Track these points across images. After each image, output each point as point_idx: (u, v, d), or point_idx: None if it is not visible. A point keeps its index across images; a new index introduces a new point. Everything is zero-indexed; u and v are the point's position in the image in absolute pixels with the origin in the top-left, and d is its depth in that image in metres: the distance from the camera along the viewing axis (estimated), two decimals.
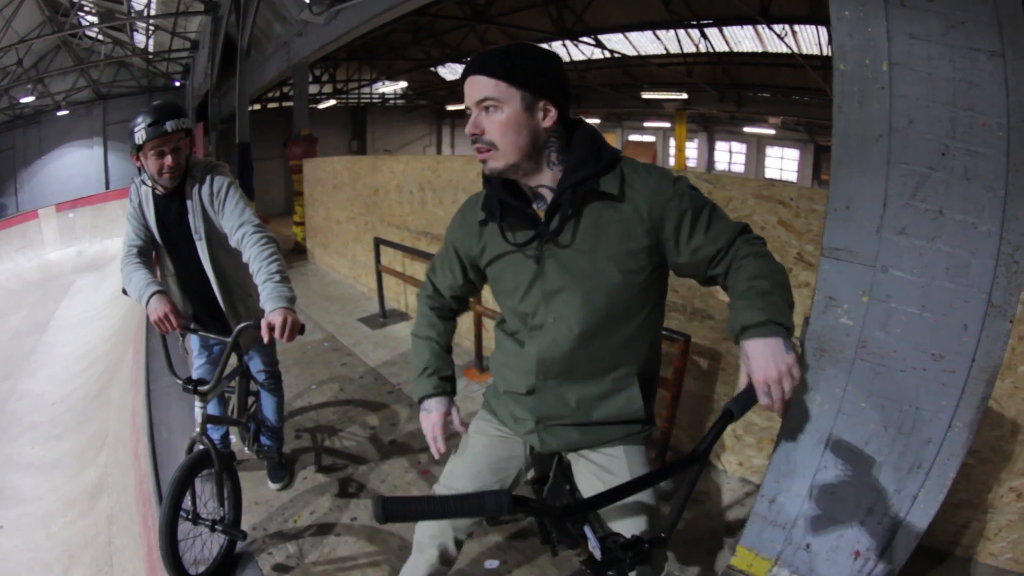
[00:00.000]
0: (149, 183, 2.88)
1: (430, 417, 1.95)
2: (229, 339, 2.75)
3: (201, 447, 2.76)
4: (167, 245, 3.00)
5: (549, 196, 1.66)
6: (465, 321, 5.79)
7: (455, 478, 1.98)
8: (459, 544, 1.97)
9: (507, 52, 1.58)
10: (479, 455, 1.97)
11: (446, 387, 2.01)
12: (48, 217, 17.56)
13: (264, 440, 3.63)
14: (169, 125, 2.66)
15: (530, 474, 2.00)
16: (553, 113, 1.59)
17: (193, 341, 3.27)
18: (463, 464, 1.99)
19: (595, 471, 1.84)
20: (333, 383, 5.22)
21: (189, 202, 2.88)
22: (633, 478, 1.46)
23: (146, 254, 2.97)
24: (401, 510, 1.22)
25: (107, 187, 21.79)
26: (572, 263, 1.66)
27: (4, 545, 4.31)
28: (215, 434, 3.55)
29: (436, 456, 1.93)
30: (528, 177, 1.66)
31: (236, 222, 2.84)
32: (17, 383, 7.56)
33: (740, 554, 2.68)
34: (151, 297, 2.71)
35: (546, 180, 1.66)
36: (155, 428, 4.31)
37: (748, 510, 3.07)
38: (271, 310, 2.55)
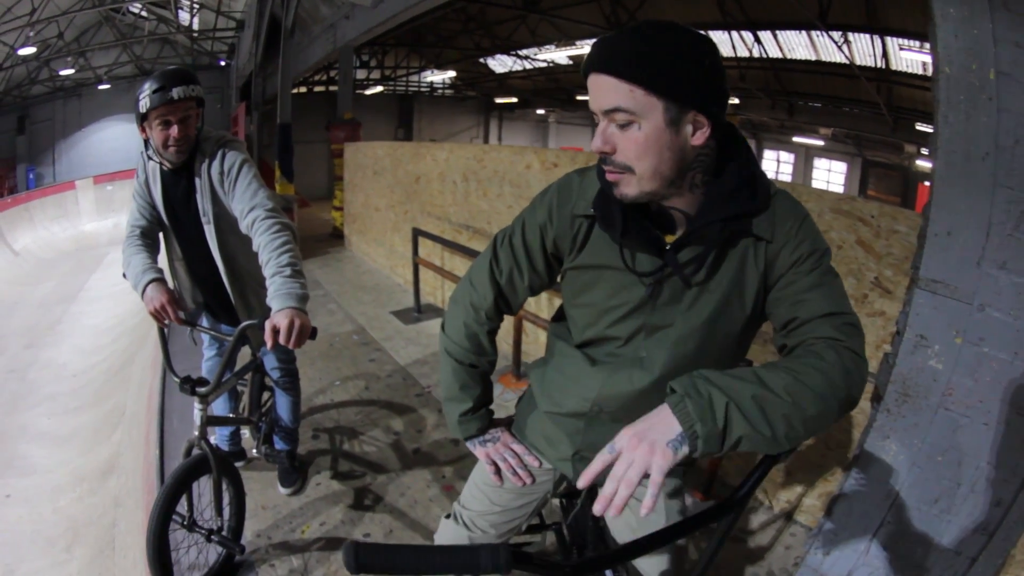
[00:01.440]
0: (156, 158, 2.63)
1: (497, 447, 1.76)
2: (231, 337, 2.51)
3: (199, 451, 2.53)
4: (175, 226, 2.79)
5: (681, 220, 1.34)
6: (504, 322, 5.61)
7: (476, 501, 1.82)
8: None
9: (644, 42, 1.17)
10: (505, 478, 1.77)
11: (491, 417, 1.82)
12: (85, 189, 17.74)
13: (277, 442, 3.44)
14: (176, 92, 2.39)
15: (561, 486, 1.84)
16: (705, 128, 1.21)
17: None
18: (484, 484, 1.80)
19: (635, 506, 1.62)
20: (358, 380, 4.99)
21: (198, 180, 2.62)
22: (664, 527, 1.23)
23: (151, 235, 2.78)
24: (377, 561, 1.01)
25: None
26: (682, 300, 1.36)
27: (9, 515, 4.22)
28: (224, 431, 3.37)
29: (527, 483, 1.74)
30: (662, 199, 1.31)
31: (247, 205, 2.55)
32: (40, 352, 7.51)
33: None
34: (148, 285, 2.53)
35: (681, 203, 1.32)
36: (166, 415, 4.18)
37: (794, 555, 2.92)
38: (277, 310, 2.25)
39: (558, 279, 1.62)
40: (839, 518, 2.34)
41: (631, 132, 1.20)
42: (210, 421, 2.59)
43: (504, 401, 4.50)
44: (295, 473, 3.45)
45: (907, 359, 2.14)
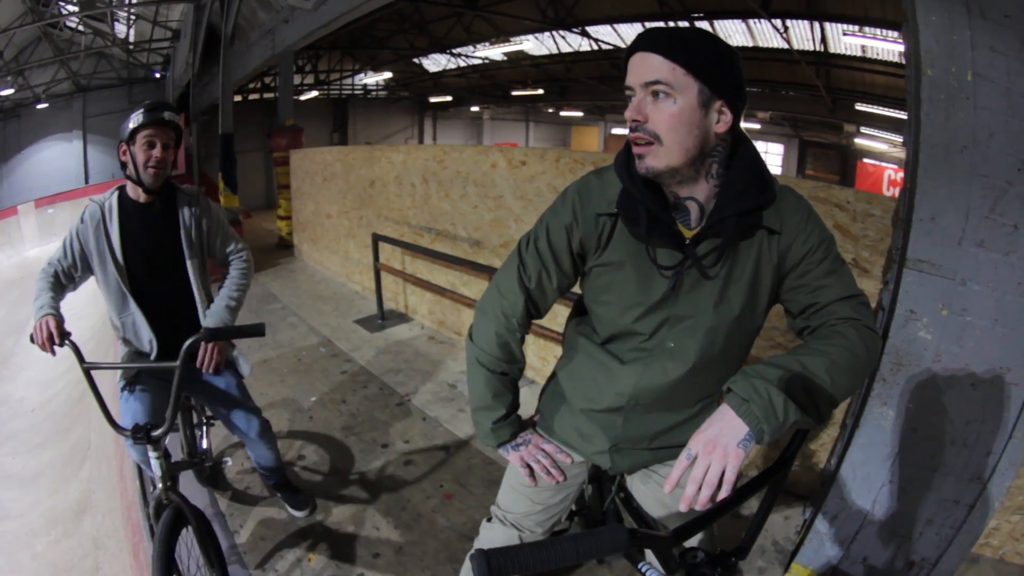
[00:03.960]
0: (115, 199, 2.71)
1: (530, 449, 1.81)
2: (177, 362, 2.39)
3: (168, 503, 2.38)
4: (131, 266, 2.70)
5: (694, 210, 1.45)
6: None
7: (517, 503, 1.88)
8: None
9: (688, 33, 1.33)
10: (539, 477, 1.82)
11: (521, 421, 1.87)
12: (27, 213, 17.16)
13: (267, 478, 3.28)
14: (167, 114, 2.58)
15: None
16: (728, 118, 1.35)
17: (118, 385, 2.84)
18: (522, 486, 1.86)
19: (655, 479, 1.79)
20: (335, 394, 4.89)
21: (183, 221, 2.79)
22: (728, 496, 1.29)
23: (66, 278, 2.71)
24: (509, 563, 1.07)
25: (87, 181, 21.33)
26: (704, 291, 1.46)
27: None
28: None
29: (559, 481, 1.81)
30: (680, 186, 1.41)
31: (233, 248, 2.98)
32: None
33: (795, 571, 2.67)
34: (42, 318, 2.47)
35: (698, 193, 1.43)
36: None
37: (794, 524, 3.07)
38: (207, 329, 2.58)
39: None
40: (843, 483, 2.51)
41: (665, 104, 1.32)
42: (171, 468, 2.50)
43: None
44: (300, 494, 3.35)
45: (899, 332, 2.30)
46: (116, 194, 2.71)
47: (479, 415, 1.77)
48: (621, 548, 1.11)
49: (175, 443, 3.14)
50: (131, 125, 2.54)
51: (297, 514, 3.29)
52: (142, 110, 2.54)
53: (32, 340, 2.43)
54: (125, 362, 2.77)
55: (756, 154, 1.44)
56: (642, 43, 1.34)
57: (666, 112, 1.31)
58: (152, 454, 2.37)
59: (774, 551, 2.96)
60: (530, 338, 4.83)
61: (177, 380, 2.38)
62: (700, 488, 1.22)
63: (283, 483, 3.32)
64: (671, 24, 14.54)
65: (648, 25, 15.74)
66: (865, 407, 2.42)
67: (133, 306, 2.70)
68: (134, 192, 2.70)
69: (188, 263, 2.77)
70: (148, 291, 2.74)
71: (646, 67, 1.32)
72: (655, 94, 1.32)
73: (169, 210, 2.76)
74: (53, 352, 2.44)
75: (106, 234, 2.66)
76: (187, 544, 2.42)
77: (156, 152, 2.59)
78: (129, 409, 2.68)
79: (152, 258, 2.73)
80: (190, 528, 2.39)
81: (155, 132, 2.57)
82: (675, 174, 1.37)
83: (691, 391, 1.61)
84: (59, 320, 2.47)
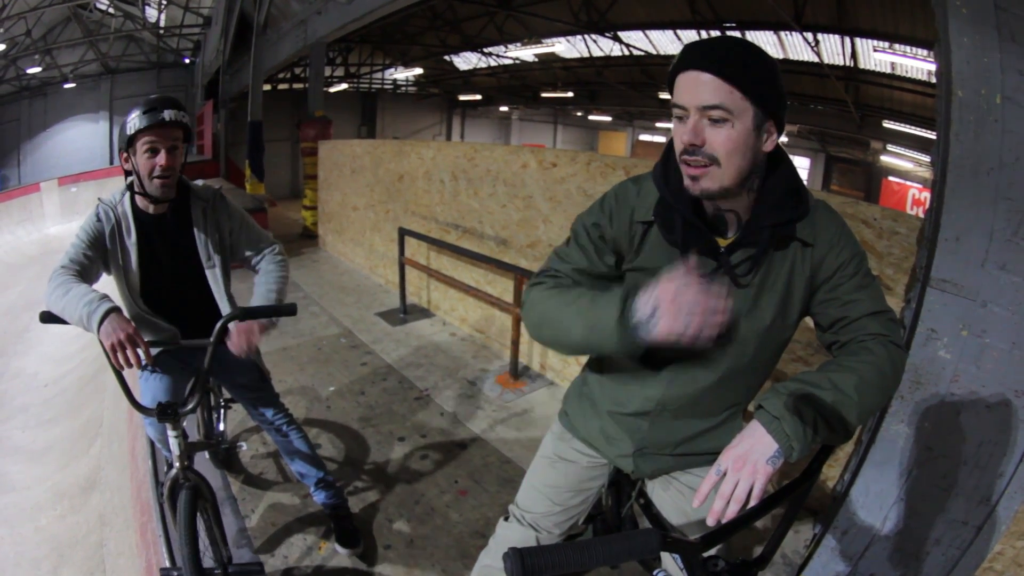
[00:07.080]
0: (127, 203, 2.44)
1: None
2: (211, 339, 2.29)
3: (185, 482, 2.30)
4: (146, 272, 2.51)
5: (732, 221, 1.45)
6: (497, 321, 5.60)
7: (537, 503, 1.89)
8: None
9: (740, 51, 1.28)
10: (560, 477, 1.87)
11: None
12: (50, 191, 17.17)
13: (317, 495, 3.08)
14: (168, 114, 2.26)
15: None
16: (775, 137, 1.34)
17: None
18: (543, 486, 1.89)
19: (688, 494, 1.76)
20: (353, 386, 4.93)
21: (199, 228, 2.54)
22: (756, 505, 1.31)
23: (88, 277, 2.33)
24: (542, 562, 1.07)
25: (111, 162, 21.42)
26: (736, 300, 1.44)
27: None
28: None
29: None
30: (722, 200, 1.41)
31: (262, 246, 2.73)
32: (10, 361, 7.21)
33: None
34: (107, 314, 2.05)
35: (737, 206, 1.43)
36: None
37: (804, 538, 3.04)
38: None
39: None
40: (855, 499, 2.52)
41: (724, 129, 1.29)
42: (188, 448, 2.36)
43: (505, 402, 4.48)
44: (354, 528, 3.07)
45: (919, 351, 2.31)
46: (127, 198, 2.45)
47: (593, 335, 1.40)
48: (653, 551, 1.13)
49: (191, 425, 3.08)
50: (129, 130, 2.27)
51: (343, 550, 2.99)
52: (140, 111, 2.26)
53: (109, 356, 2.03)
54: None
55: (792, 168, 1.43)
56: (696, 61, 1.29)
57: (724, 136, 1.28)
58: (171, 433, 2.27)
59: (783, 564, 2.95)
60: None
61: (209, 358, 2.31)
62: (728, 503, 1.24)
63: (333, 506, 3.09)
64: (704, 33, 14.53)
65: (680, 32, 15.77)
66: (882, 424, 2.43)
67: (138, 302, 2.53)
68: (143, 203, 2.45)
69: (207, 272, 2.59)
70: (167, 292, 2.58)
71: (702, 88, 1.27)
72: (712, 118, 1.28)
73: (183, 218, 2.52)
74: (141, 366, 2.10)
75: (122, 245, 2.44)
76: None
77: (160, 160, 2.30)
78: (149, 388, 2.63)
79: (170, 269, 2.54)
80: (206, 507, 2.40)
81: (157, 137, 2.29)
82: (727, 194, 1.36)
83: (719, 400, 1.62)
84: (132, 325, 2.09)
